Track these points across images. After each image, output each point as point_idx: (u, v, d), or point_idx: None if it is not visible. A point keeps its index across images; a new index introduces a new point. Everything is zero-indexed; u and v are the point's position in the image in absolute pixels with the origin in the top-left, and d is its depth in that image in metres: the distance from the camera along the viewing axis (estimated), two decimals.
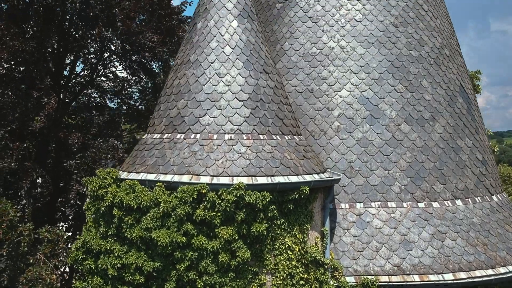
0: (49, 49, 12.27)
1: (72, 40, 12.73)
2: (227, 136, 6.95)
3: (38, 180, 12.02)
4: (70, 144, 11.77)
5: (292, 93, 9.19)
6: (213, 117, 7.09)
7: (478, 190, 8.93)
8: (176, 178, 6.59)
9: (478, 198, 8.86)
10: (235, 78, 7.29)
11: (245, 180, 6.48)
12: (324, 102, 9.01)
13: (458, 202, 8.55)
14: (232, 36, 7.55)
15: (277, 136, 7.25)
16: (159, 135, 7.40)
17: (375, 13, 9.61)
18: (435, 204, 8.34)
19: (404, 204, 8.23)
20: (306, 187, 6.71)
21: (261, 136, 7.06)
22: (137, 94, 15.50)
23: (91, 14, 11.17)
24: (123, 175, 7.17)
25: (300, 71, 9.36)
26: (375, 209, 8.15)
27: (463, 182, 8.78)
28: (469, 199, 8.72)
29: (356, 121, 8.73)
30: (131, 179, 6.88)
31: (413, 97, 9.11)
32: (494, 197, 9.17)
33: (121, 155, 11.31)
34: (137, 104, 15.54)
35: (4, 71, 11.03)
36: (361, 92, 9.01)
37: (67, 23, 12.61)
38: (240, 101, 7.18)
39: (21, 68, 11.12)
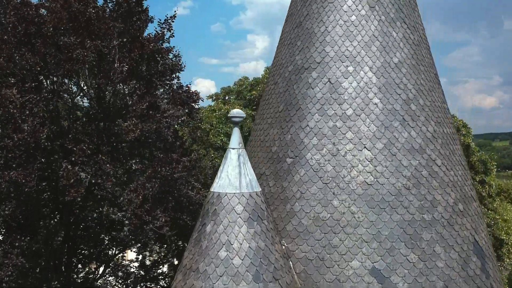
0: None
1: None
2: None
3: None
4: None
5: (302, 259, 9.16)
6: None
7: None
8: None
9: None
10: None
11: None
12: (335, 273, 8.97)
13: None
14: (241, 244, 7.56)
15: None
16: None
17: (387, 175, 9.48)
18: None
19: None
20: None
21: None
22: None
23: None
24: None
25: (311, 236, 9.31)
26: None
27: None
28: None
29: None
30: None
31: (426, 266, 9.01)
32: None
33: None
34: None
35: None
36: (372, 263, 8.95)
37: None
38: None
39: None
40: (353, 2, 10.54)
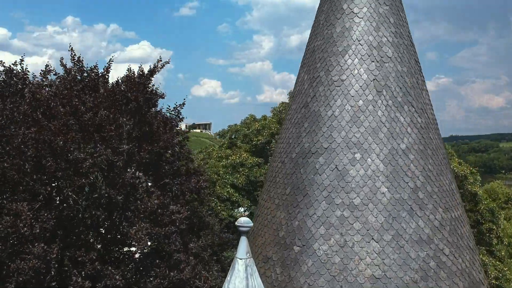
0: None
1: None
2: None
3: None
4: None
5: None
6: None
7: None
8: None
9: None
10: None
11: None
12: None
13: None
14: None
15: None
16: None
17: (395, 268, 9.39)
18: None
19: None
20: None
21: None
22: None
23: None
24: None
25: None
26: None
27: None
28: None
29: None
30: None
31: None
32: None
33: None
34: None
35: None
36: None
37: None
38: None
39: None
40: (360, 86, 10.58)
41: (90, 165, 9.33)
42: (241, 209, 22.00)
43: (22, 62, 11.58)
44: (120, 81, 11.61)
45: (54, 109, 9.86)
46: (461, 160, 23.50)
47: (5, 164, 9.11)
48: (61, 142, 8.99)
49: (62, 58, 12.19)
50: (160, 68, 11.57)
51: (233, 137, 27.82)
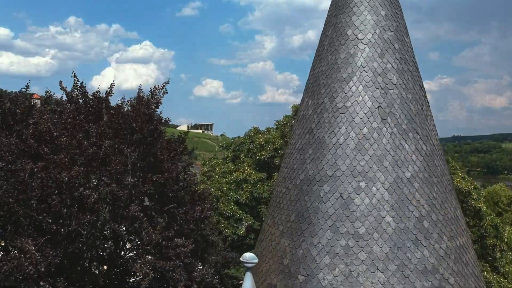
0: None
1: None
2: None
3: None
4: None
5: None
6: None
7: None
8: None
9: None
10: None
11: None
12: None
13: None
14: None
15: None
16: None
17: None
18: None
19: None
20: None
21: None
22: None
23: None
24: None
25: None
26: None
27: None
28: None
29: None
30: None
31: None
32: None
33: None
34: None
35: None
36: None
37: None
38: None
39: None
40: (365, 113, 10.57)
41: (95, 201, 9.32)
42: (244, 224, 21.95)
43: (28, 89, 11.65)
44: (125, 102, 11.63)
45: (58, 140, 9.86)
46: (465, 175, 23.42)
47: (11, 200, 9.11)
48: (66, 178, 9.00)
49: (61, 82, 12.18)
50: (162, 95, 11.61)
51: (236, 149, 27.80)
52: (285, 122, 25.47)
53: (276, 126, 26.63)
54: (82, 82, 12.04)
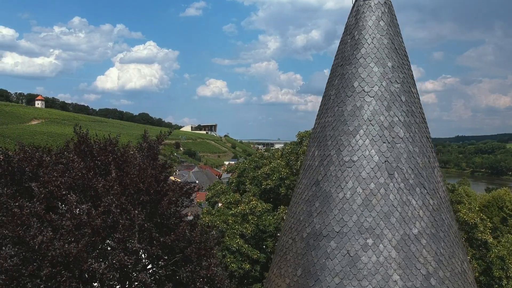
0: None
1: None
2: None
3: None
4: None
5: None
6: None
7: None
8: None
9: None
10: None
11: None
12: None
13: None
14: None
15: None
16: None
17: None
18: None
19: None
20: None
21: None
22: None
23: None
24: None
25: None
26: None
27: None
28: None
29: None
30: None
31: None
32: None
33: None
34: None
35: None
36: None
37: None
38: None
39: None
40: (372, 168, 10.57)
41: (103, 271, 9.32)
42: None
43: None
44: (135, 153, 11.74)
45: (67, 200, 9.91)
46: (471, 206, 23.31)
47: (23, 271, 9.13)
48: (74, 250, 9.03)
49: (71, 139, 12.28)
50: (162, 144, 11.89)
51: (241, 175, 27.82)
52: (290, 150, 25.50)
53: (281, 153, 26.67)
54: (95, 136, 12.20)
